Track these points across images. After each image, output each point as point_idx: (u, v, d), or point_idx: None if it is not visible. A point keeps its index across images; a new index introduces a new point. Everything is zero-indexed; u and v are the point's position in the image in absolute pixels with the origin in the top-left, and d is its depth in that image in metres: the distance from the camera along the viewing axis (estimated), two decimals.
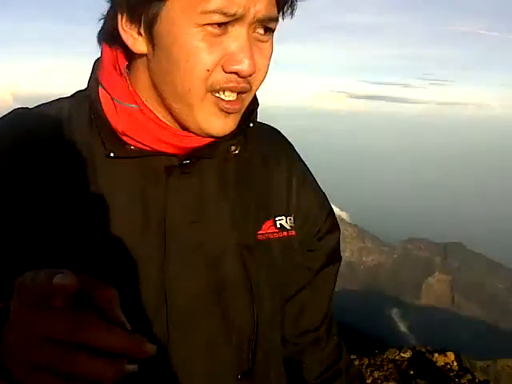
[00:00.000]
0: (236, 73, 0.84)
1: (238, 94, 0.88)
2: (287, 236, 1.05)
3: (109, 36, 0.91)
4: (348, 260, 71.66)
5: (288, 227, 1.06)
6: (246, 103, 0.92)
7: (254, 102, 1.02)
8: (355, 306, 55.73)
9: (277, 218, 1.05)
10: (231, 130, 0.92)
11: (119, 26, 0.87)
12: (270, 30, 0.86)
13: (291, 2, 0.88)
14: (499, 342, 48.24)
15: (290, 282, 1.09)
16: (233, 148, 1.00)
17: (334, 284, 1.19)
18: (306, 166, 1.18)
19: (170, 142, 0.93)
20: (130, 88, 0.92)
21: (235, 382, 0.99)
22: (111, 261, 0.90)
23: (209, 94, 0.86)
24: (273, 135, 1.15)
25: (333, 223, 1.16)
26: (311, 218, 1.11)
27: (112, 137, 0.92)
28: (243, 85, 0.86)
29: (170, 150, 0.95)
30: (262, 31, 0.85)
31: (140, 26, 0.86)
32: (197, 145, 0.95)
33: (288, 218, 1.06)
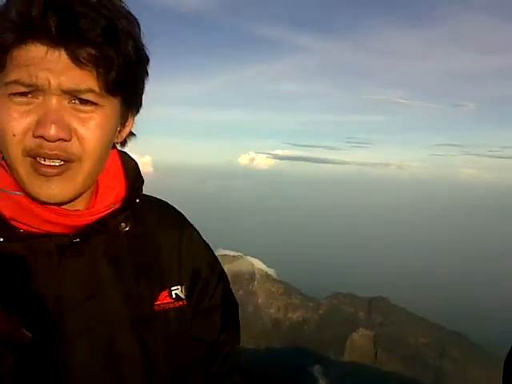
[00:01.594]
0: (42, 137, 0.89)
1: (64, 162, 0.93)
2: (182, 305, 1.11)
3: None
4: (274, 317, 69.89)
5: (182, 296, 1.12)
6: (78, 173, 0.96)
7: (138, 179, 1.13)
8: (278, 362, 53.84)
9: (172, 288, 1.11)
10: (63, 197, 0.96)
11: None
12: (90, 102, 0.92)
13: (118, 78, 0.92)
14: None
15: (187, 354, 1.13)
16: (123, 225, 1.07)
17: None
18: (195, 230, 1.26)
19: (57, 221, 0.98)
20: (13, 174, 0.96)
21: None
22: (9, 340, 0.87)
23: (27, 158, 0.92)
24: (161, 207, 1.23)
25: (223, 286, 1.24)
26: (201, 283, 1.18)
27: (1, 223, 0.97)
28: (56, 152, 0.91)
29: (60, 230, 0.99)
30: (77, 102, 0.92)
31: None
32: (87, 222, 1.01)
33: (182, 287, 1.13)
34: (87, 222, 1.01)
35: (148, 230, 1.14)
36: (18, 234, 0.98)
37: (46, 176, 0.93)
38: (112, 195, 1.07)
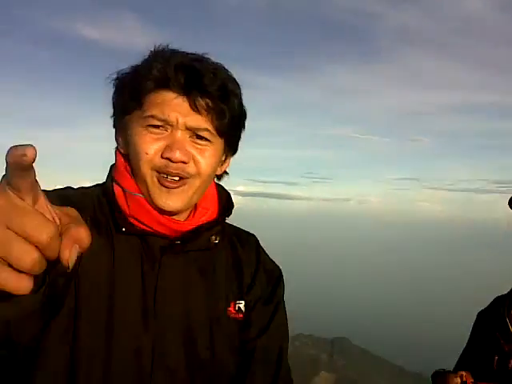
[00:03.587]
0: (169, 158, 1.21)
1: (181, 179, 1.24)
2: (242, 318, 1.35)
3: (118, 148, 1.34)
4: None
5: (243, 310, 1.35)
6: (191, 188, 1.27)
7: (228, 204, 1.41)
8: None
9: (237, 302, 1.35)
10: (177, 206, 1.26)
11: (117, 138, 1.34)
12: (204, 139, 1.26)
13: (227, 125, 1.27)
14: None
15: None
16: (213, 238, 1.33)
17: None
18: (276, 267, 1.51)
19: (165, 223, 1.25)
20: (139, 183, 1.26)
21: None
22: (109, 313, 1.18)
23: (154, 172, 1.23)
24: (248, 235, 1.52)
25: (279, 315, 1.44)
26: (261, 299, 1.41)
27: (123, 217, 1.25)
28: (178, 171, 1.23)
29: (165, 231, 1.26)
30: (195, 137, 1.25)
31: (120, 134, 1.33)
32: (183, 228, 1.28)
33: (243, 302, 1.36)
34: (186, 229, 1.28)
35: (233, 250, 1.41)
36: (135, 229, 1.25)
37: (168, 188, 1.23)
38: (207, 214, 1.34)
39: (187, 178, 1.25)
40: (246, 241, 1.48)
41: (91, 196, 1.30)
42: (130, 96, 1.24)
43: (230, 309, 1.33)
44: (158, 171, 1.23)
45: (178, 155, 1.21)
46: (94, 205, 1.28)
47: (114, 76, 1.29)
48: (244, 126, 1.35)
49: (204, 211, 1.34)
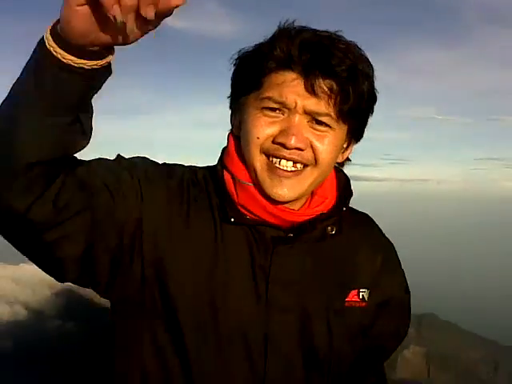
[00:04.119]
0: (283, 144, 1.14)
1: (294, 163, 1.17)
2: (364, 306, 1.29)
3: (233, 130, 1.29)
4: None
5: (366, 299, 1.29)
6: (307, 178, 1.19)
7: (347, 192, 1.31)
8: None
9: (361, 290, 1.28)
10: (290, 197, 1.18)
11: (232, 120, 1.30)
12: (324, 124, 1.16)
13: (351, 110, 1.16)
14: None
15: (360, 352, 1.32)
16: (329, 228, 1.24)
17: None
18: (391, 246, 1.45)
19: (276, 213, 1.19)
20: (248, 169, 1.21)
21: None
22: (219, 302, 1.16)
23: (263, 156, 1.18)
24: (363, 220, 1.43)
25: (406, 304, 1.46)
26: (391, 299, 1.38)
27: (232, 206, 1.19)
28: (294, 156, 1.15)
29: (276, 222, 1.20)
30: (314, 122, 1.16)
31: (235, 116, 1.28)
32: (299, 220, 1.21)
33: (368, 291, 1.30)
34: (300, 220, 1.20)
35: (350, 238, 1.31)
36: (244, 218, 1.18)
37: (280, 177, 1.15)
38: (324, 204, 1.24)
39: (306, 165, 1.17)
40: (365, 223, 1.42)
41: (200, 177, 1.25)
42: (249, 76, 1.18)
43: (350, 298, 1.26)
44: (267, 154, 1.17)
45: (293, 141, 1.12)
46: (201, 187, 1.23)
47: (236, 56, 1.23)
48: (372, 112, 1.25)
49: (321, 200, 1.26)
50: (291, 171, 1.16)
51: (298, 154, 1.15)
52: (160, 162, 1.24)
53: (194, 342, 1.14)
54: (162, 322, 1.16)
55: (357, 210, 1.41)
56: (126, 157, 1.20)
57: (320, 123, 1.15)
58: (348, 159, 1.35)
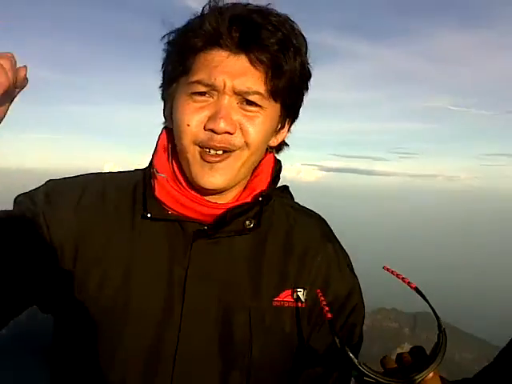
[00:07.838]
0: (212, 130, 1.05)
1: (224, 152, 1.09)
2: (300, 307, 1.16)
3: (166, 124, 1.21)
4: None
5: (303, 299, 1.17)
6: (236, 160, 1.10)
7: (274, 183, 1.22)
8: None
9: (297, 290, 1.16)
10: (221, 183, 1.10)
11: (164, 113, 1.20)
12: (255, 104, 1.08)
13: (283, 86, 1.09)
14: None
15: (292, 355, 1.17)
16: (247, 222, 1.14)
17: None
18: (339, 247, 1.28)
19: (190, 206, 1.12)
20: (169, 160, 1.16)
21: None
22: (131, 301, 1.10)
23: (196, 147, 1.09)
24: (309, 217, 1.29)
25: (356, 305, 1.24)
26: (339, 300, 1.20)
27: (153, 202, 1.13)
28: (223, 144, 1.07)
29: (194, 215, 1.13)
30: (245, 103, 1.07)
31: (166, 106, 1.18)
32: (216, 212, 1.12)
33: (305, 291, 1.17)
34: (216, 212, 1.11)
35: (280, 231, 1.21)
36: (166, 214, 1.13)
37: (210, 163, 1.08)
38: (252, 196, 1.16)
39: (233, 150, 1.08)
40: (306, 222, 1.26)
41: (131, 180, 1.20)
42: (176, 59, 1.09)
43: (281, 297, 1.15)
44: (200, 146, 1.08)
45: (222, 125, 1.04)
46: (128, 190, 1.19)
47: (165, 39, 1.12)
48: (307, 89, 1.16)
49: (249, 192, 1.18)
50: (221, 155, 1.08)
51: (227, 141, 1.07)
52: (80, 178, 1.22)
53: (104, 345, 1.10)
54: (81, 329, 1.13)
55: (306, 209, 1.31)
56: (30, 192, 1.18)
57: (250, 103, 1.07)
58: (285, 143, 1.25)
